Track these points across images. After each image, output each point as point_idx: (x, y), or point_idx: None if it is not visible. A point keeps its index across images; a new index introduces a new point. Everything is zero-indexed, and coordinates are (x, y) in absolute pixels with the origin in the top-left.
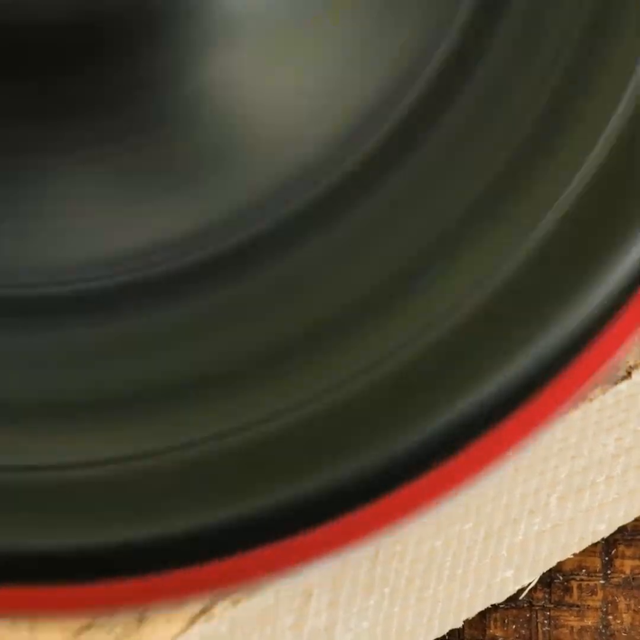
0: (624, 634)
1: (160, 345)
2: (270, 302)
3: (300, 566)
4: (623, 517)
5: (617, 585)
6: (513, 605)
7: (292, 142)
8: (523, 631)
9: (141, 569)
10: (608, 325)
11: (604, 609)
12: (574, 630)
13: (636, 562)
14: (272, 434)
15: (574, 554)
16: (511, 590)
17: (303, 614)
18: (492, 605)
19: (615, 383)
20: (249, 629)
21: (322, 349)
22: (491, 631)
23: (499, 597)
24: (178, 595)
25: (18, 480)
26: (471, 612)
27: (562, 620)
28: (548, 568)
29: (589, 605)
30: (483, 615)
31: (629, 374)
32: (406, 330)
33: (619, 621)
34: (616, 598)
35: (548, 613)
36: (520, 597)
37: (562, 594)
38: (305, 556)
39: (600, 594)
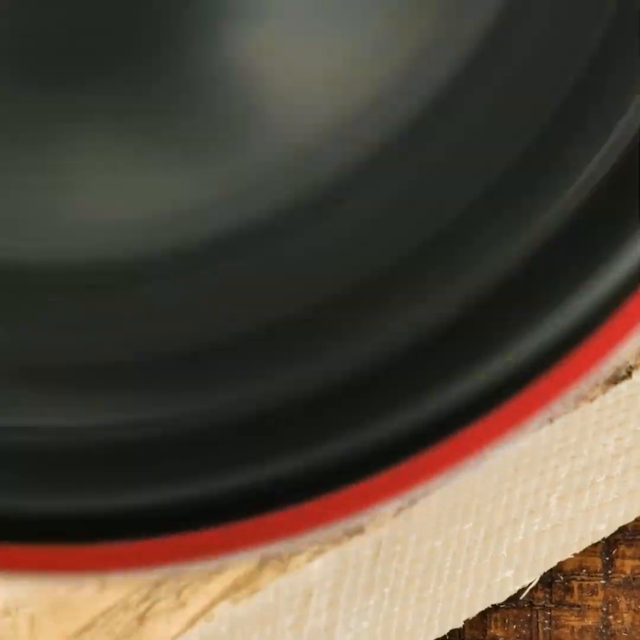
0: (624, 634)
1: (220, 300)
2: (314, 262)
3: (371, 511)
4: (623, 517)
5: (618, 585)
6: (513, 605)
7: (323, 110)
8: (523, 631)
9: (221, 519)
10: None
11: (605, 609)
12: (575, 630)
13: (637, 562)
14: (342, 380)
15: (575, 554)
16: (511, 590)
17: (303, 614)
18: (492, 605)
19: (615, 383)
20: (249, 629)
21: (384, 299)
22: (491, 631)
23: (499, 597)
24: (260, 541)
25: (95, 439)
26: (471, 612)
27: (562, 620)
28: (548, 568)
29: (589, 605)
30: (483, 615)
31: (629, 374)
32: (453, 284)
33: (619, 621)
34: (617, 598)
35: (549, 613)
36: (521, 597)
37: (562, 593)
38: (379, 498)
39: (600, 594)
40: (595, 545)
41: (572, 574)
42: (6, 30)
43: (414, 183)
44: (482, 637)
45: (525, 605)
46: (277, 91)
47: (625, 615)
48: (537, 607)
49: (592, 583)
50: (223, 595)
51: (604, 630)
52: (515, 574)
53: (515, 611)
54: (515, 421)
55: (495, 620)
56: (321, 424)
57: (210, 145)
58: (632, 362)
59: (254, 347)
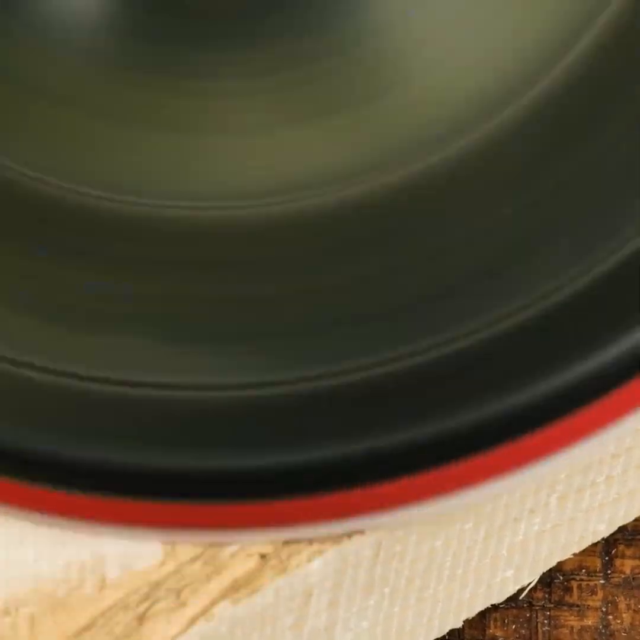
0: (624, 634)
1: (371, 252)
2: (455, 224)
3: (521, 472)
4: (623, 517)
5: (617, 585)
6: (513, 605)
7: (467, 78)
8: (523, 631)
9: (359, 480)
10: None
11: (604, 609)
12: (574, 630)
13: (636, 562)
14: (489, 342)
15: (574, 554)
16: (511, 590)
17: (303, 614)
18: (492, 605)
19: None
20: (249, 629)
21: (526, 265)
22: (491, 631)
23: (499, 597)
24: (398, 503)
25: (221, 398)
26: (471, 612)
27: (562, 620)
28: (548, 568)
29: (589, 605)
30: (483, 615)
31: None
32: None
33: (619, 621)
34: (616, 598)
35: (548, 613)
36: (520, 597)
37: (562, 593)
38: (526, 460)
39: (600, 594)
40: (595, 545)
41: (572, 574)
42: None
43: (552, 157)
44: (481, 637)
45: (525, 605)
46: (425, 56)
47: (624, 615)
48: (537, 607)
49: (591, 583)
50: (223, 595)
51: (603, 630)
52: (515, 574)
53: (514, 611)
54: None
55: (495, 620)
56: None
57: (353, 106)
58: None
59: (434, 305)
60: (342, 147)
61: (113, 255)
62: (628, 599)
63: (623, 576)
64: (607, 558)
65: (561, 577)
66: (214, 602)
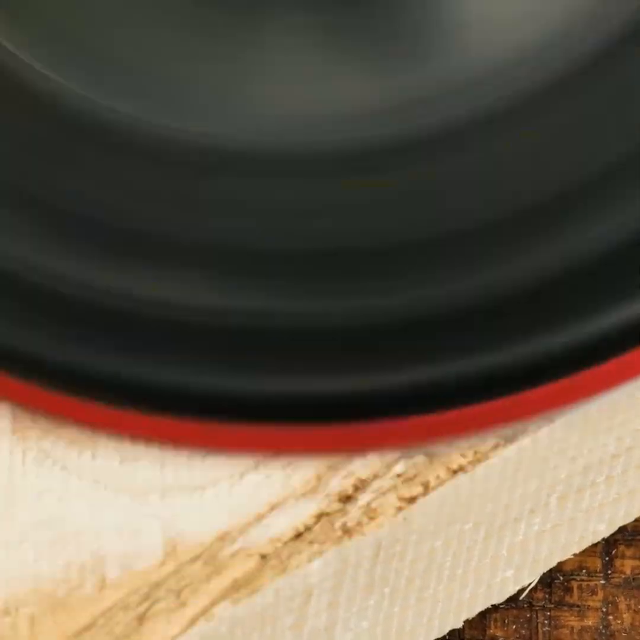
0: (624, 634)
1: (453, 190)
2: (514, 164)
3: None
4: (623, 517)
5: (618, 586)
6: (513, 605)
7: (516, 33)
8: (523, 631)
9: (476, 396)
10: None
11: (604, 609)
12: (574, 630)
13: (636, 562)
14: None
15: (574, 554)
16: (511, 590)
17: (303, 614)
18: (492, 605)
19: None
20: (249, 629)
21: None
22: (491, 631)
23: (499, 597)
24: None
25: (331, 322)
26: (471, 612)
27: (562, 621)
28: (548, 568)
29: (589, 605)
30: (483, 615)
31: None
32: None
33: (619, 621)
34: (616, 598)
35: (548, 613)
36: (521, 597)
37: (562, 594)
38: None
39: (600, 594)
40: (595, 545)
41: (572, 574)
42: None
43: (602, 106)
44: (481, 637)
45: (525, 605)
46: (473, 10)
47: (624, 615)
48: (537, 608)
49: (591, 583)
50: (223, 595)
51: (603, 631)
52: (515, 574)
53: (514, 611)
54: None
55: (495, 620)
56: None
57: (402, 52)
58: None
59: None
60: (415, 75)
61: (189, 187)
62: (628, 599)
63: (623, 576)
64: (607, 558)
65: (561, 577)
66: (214, 602)
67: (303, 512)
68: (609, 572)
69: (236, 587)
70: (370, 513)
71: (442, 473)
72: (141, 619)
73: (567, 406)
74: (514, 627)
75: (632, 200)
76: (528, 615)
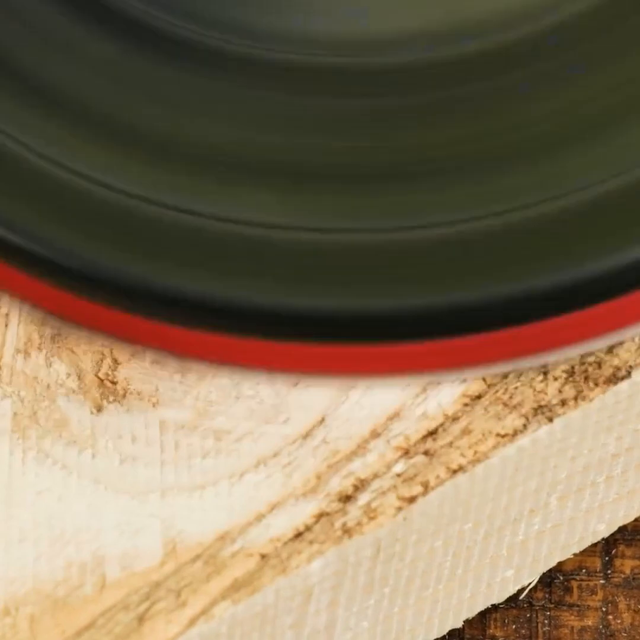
0: (624, 634)
1: (473, 114)
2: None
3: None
4: (623, 517)
5: (617, 585)
6: (513, 605)
7: None
8: (523, 631)
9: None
10: None
11: (604, 609)
12: (574, 630)
13: (636, 562)
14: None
15: (574, 554)
16: (511, 590)
17: (303, 613)
18: (492, 605)
19: (615, 383)
20: (249, 629)
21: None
22: (491, 631)
23: (499, 597)
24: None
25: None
26: (471, 612)
27: (562, 620)
28: (548, 568)
29: (589, 605)
30: (483, 615)
31: (629, 373)
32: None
33: (619, 621)
34: (616, 598)
35: (548, 613)
36: (520, 597)
37: (562, 593)
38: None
39: (600, 594)
40: (594, 545)
41: (572, 574)
42: None
43: None
44: (481, 637)
45: (525, 605)
46: None
47: (624, 615)
48: (537, 607)
49: (591, 583)
50: (223, 595)
51: (603, 630)
52: (515, 574)
53: (514, 611)
54: None
55: (495, 620)
56: None
57: None
58: (632, 362)
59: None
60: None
61: (296, 106)
62: (628, 599)
63: (623, 576)
64: (607, 558)
65: (561, 577)
66: (214, 602)
67: (303, 512)
68: (609, 572)
69: (236, 587)
70: (370, 513)
71: (442, 473)
72: (141, 619)
73: None
74: (514, 626)
75: None
76: (528, 615)
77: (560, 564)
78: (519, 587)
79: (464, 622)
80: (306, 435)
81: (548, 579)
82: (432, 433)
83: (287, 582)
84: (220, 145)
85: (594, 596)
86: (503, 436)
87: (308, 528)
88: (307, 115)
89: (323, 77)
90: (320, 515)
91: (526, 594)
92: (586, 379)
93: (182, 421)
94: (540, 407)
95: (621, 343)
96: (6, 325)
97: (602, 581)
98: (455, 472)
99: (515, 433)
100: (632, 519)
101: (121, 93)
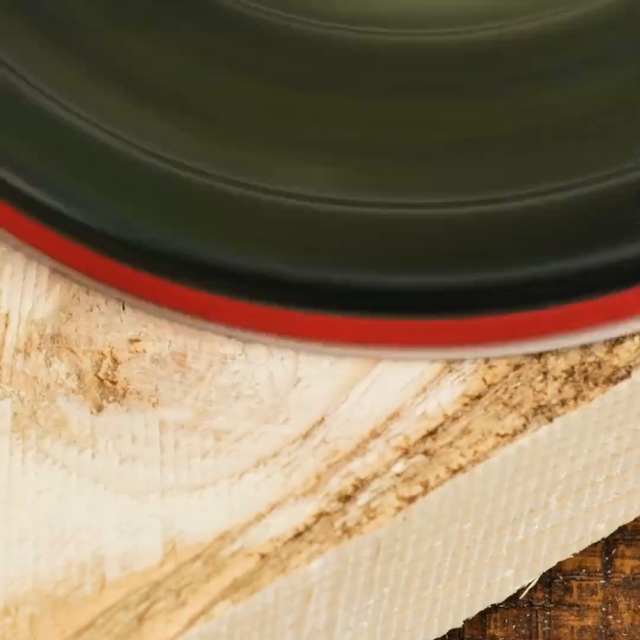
0: (624, 634)
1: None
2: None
3: None
4: (623, 517)
5: (617, 585)
6: (513, 605)
7: None
8: (523, 631)
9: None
10: None
11: (604, 609)
12: (574, 630)
13: (636, 562)
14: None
15: (574, 554)
16: (511, 590)
17: (303, 613)
18: (492, 605)
19: (615, 383)
20: (248, 629)
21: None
22: (491, 631)
23: (498, 597)
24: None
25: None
26: (471, 612)
27: (562, 620)
28: (548, 568)
29: (589, 605)
30: (483, 615)
31: (629, 373)
32: None
33: (619, 621)
34: (616, 598)
35: (548, 613)
36: (520, 597)
37: (562, 593)
38: None
39: (600, 594)
40: (595, 545)
41: (572, 574)
42: None
43: None
44: (481, 637)
45: (525, 605)
46: None
47: (624, 615)
48: (537, 607)
49: (591, 583)
50: (223, 595)
51: (603, 630)
52: (515, 574)
53: (514, 611)
54: None
55: (495, 620)
56: None
57: None
58: (632, 362)
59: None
60: None
61: (339, 80)
62: (628, 599)
63: (623, 576)
64: (607, 558)
65: (561, 577)
66: (213, 602)
67: (303, 512)
68: (609, 571)
69: (236, 587)
70: (370, 513)
71: (442, 473)
72: (141, 619)
73: None
74: (514, 626)
75: None
76: (528, 615)
77: (560, 564)
78: (518, 587)
79: (463, 622)
80: (306, 435)
81: (548, 579)
82: (431, 433)
83: (287, 582)
84: (293, 123)
85: (594, 596)
86: (503, 436)
87: (308, 528)
88: (379, 89)
89: (395, 55)
90: (319, 515)
91: (526, 594)
92: (586, 378)
93: (182, 421)
94: (540, 407)
95: (621, 343)
96: (6, 325)
97: (602, 581)
98: (455, 472)
99: (515, 433)
100: (632, 519)
101: (189, 70)
